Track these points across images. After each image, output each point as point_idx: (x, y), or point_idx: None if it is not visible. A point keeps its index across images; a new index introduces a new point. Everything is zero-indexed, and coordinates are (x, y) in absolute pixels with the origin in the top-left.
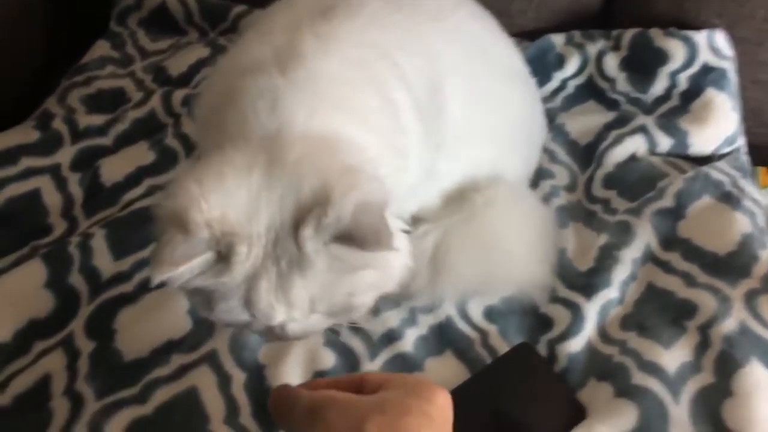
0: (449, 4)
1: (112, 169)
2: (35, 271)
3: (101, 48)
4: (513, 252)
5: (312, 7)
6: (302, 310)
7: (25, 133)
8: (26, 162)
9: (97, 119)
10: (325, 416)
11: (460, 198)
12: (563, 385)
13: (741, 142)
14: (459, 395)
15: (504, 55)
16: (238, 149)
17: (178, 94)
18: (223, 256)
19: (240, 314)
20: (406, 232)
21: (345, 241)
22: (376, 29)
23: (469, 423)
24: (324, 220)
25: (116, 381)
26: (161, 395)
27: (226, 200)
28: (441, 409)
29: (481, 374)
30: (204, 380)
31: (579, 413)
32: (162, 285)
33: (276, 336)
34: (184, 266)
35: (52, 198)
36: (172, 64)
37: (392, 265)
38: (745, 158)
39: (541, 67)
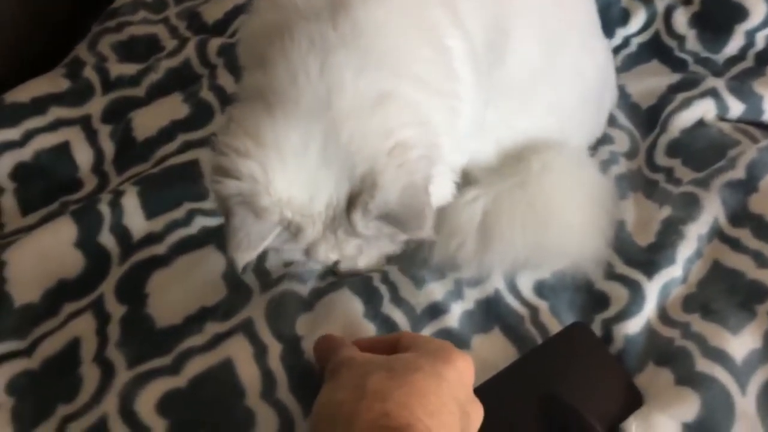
0: None
1: (145, 123)
2: (65, 229)
3: None
4: (568, 222)
5: None
6: (352, 257)
7: (55, 82)
8: (56, 112)
9: (129, 68)
10: (340, 373)
11: (516, 160)
12: (619, 369)
13: None
14: (508, 376)
15: (585, 3)
16: (290, 121)
17: (214, 43)
18: (291, 231)
19: (299, 258)
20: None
21: (389, 221)
22: None
23: (518, 405)
24: (371, 203)
25: (148, 349)
26: (195, 366)
27: (290, 183)
28: (459, 372)
29: (532, 354)
30: (239, 351)
31: (636, 399)
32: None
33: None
34: (261, 247)
35: (82, 151)
36: (207, 10)
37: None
38: None
39: (604, 22)
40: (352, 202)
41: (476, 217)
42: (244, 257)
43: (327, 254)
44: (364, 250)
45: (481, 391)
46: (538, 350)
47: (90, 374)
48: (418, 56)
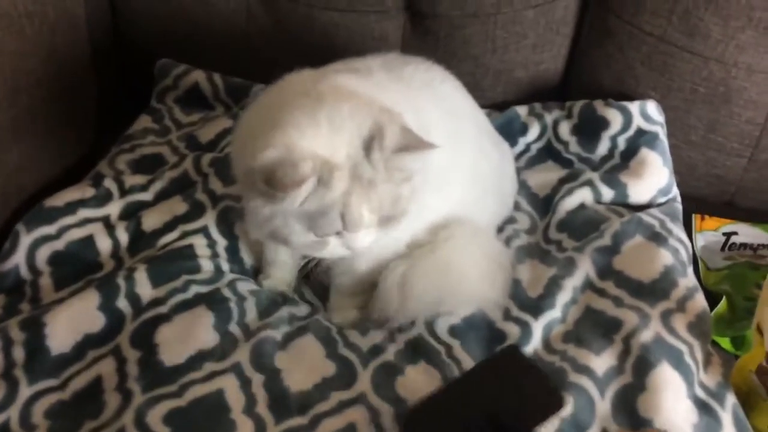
0: (437, 78)
1: (152, 219)
2: (90, 297)
3: (144, 121)
4: (465, 275)
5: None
6: (376, 214)
7: (83, 190)
8: (83, 213)
9: (140, 179)
10: None
11: (428, 236)
12: (545, 379)
13: (675, 192)
14: (453, 391)
15: (477, 119)
16: (298, 111)
17: (207, 158)
18: (324, 182)
19: (335, 225)
20: None
21: (402, 150)
22: (378, 91)
23: (465, 417)
24: (383, 143)
25: (159, 381)
26: (194, 392)
27: (311, 146)
28: None
29: (473, 372)
30: (229, 383)
31: (558, 403)
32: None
33: (347, 248)
34: (303, 186)
35: (103, 242)
36: (201, 133)
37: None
38: (678, 206)
39: (509, 133)
40: (367, 148)
41: (396, 279)
42: (288, 190)
43: (360, 209)
44: (383, 206)
45: (424, 406)
46: (478, 368)
47: (112, 399)
48: None
